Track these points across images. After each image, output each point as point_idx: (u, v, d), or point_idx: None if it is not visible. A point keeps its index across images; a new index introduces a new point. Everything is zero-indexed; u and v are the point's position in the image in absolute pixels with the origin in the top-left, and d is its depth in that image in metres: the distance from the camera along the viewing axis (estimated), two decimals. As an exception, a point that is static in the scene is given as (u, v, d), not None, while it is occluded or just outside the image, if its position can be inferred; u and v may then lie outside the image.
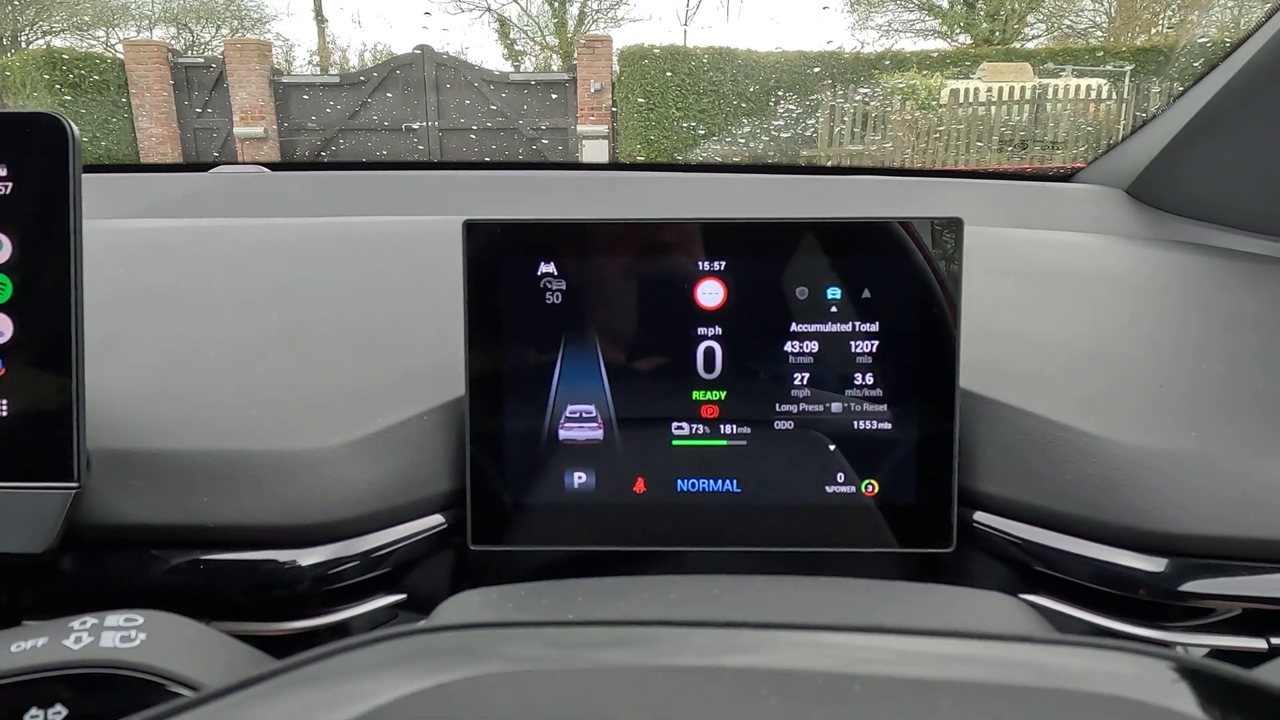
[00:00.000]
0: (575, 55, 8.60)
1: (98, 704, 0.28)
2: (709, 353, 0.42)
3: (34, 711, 0.27)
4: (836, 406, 0.42)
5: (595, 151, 8.13)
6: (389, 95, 8.27)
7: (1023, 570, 0.42)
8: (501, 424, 0.43)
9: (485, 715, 0.19)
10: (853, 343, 0.42)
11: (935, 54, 8.93)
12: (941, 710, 0.19)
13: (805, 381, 0.42)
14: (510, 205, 0.82)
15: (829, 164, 6.83)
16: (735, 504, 0.42)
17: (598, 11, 11.81)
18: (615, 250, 0.42)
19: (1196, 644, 0.39)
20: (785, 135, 8.13)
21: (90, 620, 0.30)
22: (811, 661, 0.21)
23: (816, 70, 8.31)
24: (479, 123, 8.30)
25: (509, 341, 0.42)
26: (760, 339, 0.42)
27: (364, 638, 0.22)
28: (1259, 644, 0.39)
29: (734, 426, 0.42)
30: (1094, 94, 7.63)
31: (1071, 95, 7.63)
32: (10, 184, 0.37)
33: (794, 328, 0.42)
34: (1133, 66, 7.85)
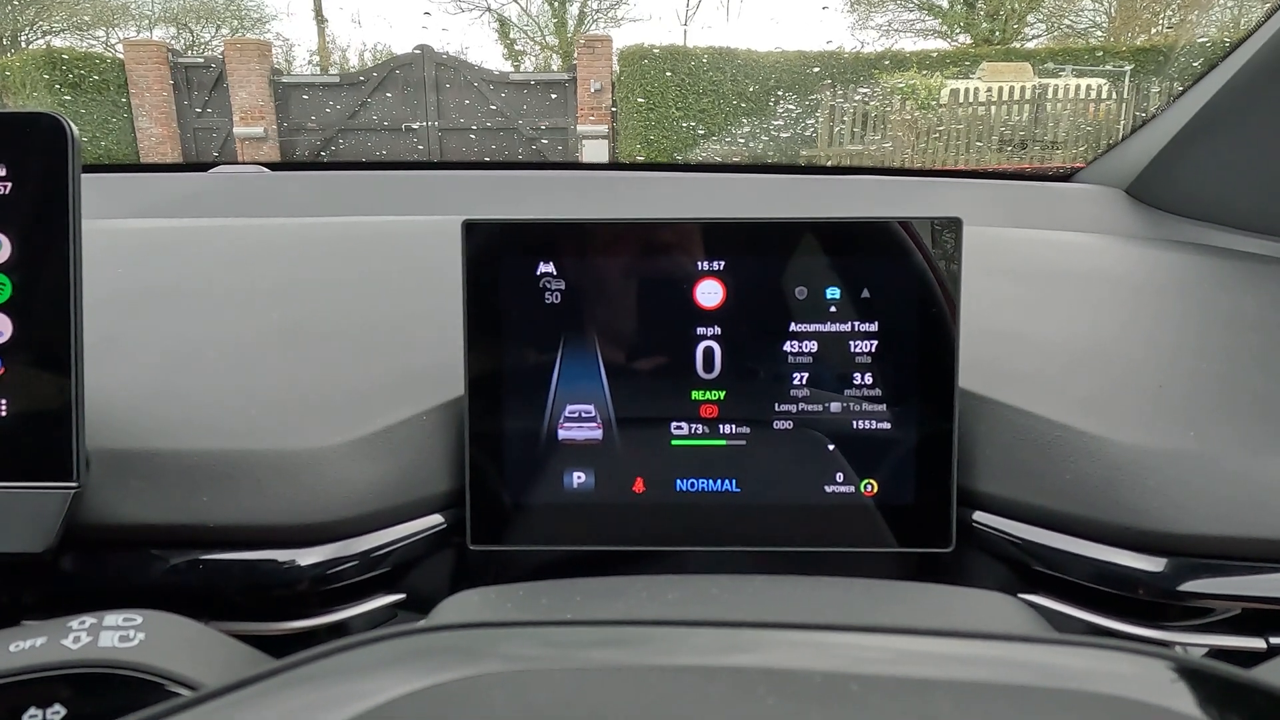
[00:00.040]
0: (575, 55, 8.60)
1: (96, 704, 0.28)
2: (708, 352, 0.42)
3: (32, 711, 0.27)
4: (836, 406, 0.42)
5: (595, 151, 8.13)
6: (389, 95, 8.27)
7: (1022, 570, 0.42)
8: (501, 424, 0.43)
9: (483, 715, 0.19)
10: (852, 342, 0.42)
11: (935, 54, 8.93)
12: (940, 710, 0.19)
13: (804, 381, 0.42)
14: (510, 205, 0.82)
15: (829, 164, 6.84)
16: (734, 504, 0.42)
17: (598, 11, 11.82)
18: (614, 250, 0.42)
19: (1195, 644, 0.39)
20: (785, 135, 8.13)
21: (89, 620, 0.30)
22: (810, 661, 0.21)
23: (816, 70, 8.31)
24: (479, 123, 8.30)
25: (508, 341, 0.42)
26: (759, 339, 0.42)
27: (361, 637, 0.22)
28: (1258, 644, 0.39)
29: (733, 426, 0.42)
30: (1094, 94, 7.63)
31: (1071, 95, 7.63)
32: (10, 184, 0.37)
33: (793, 327, 0.42)
34: (1132, 66, 7.85)
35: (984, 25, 10.86)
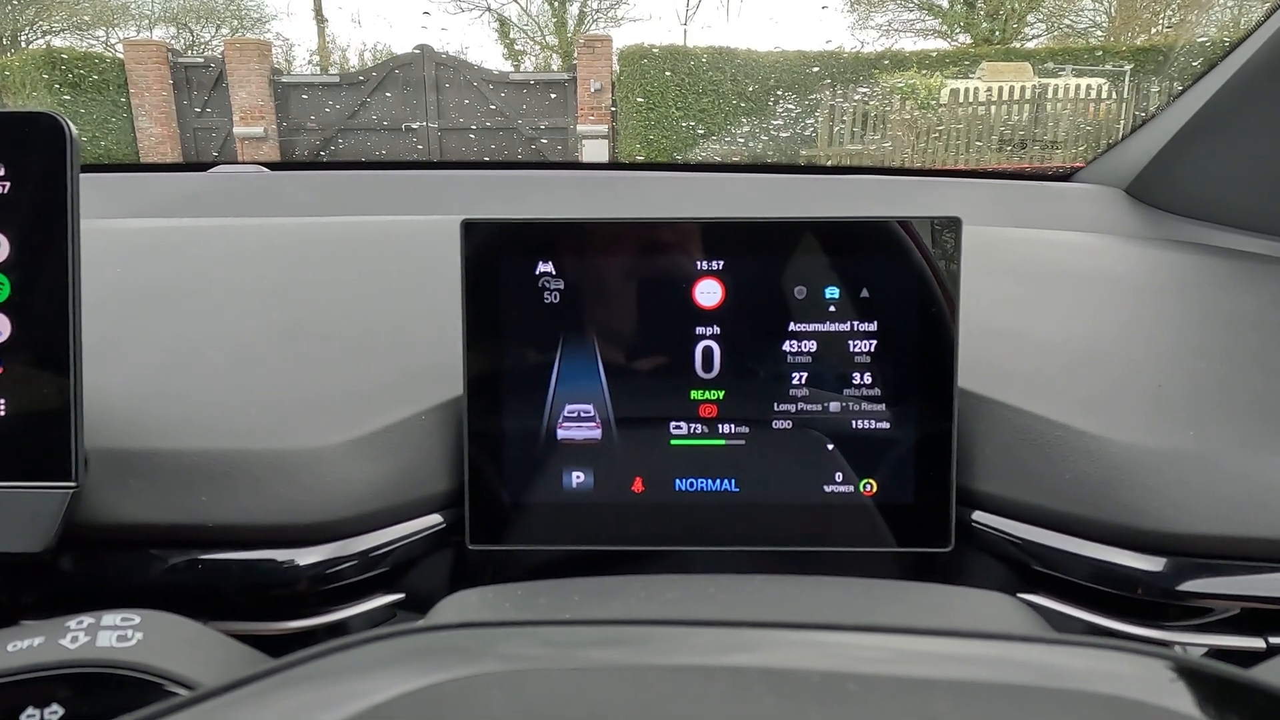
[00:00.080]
0: (575, 55, 8.60)
1: (94, 703, 0.28)
2: (707, 352, 0.42)
3: (30, 711, 0.27)
4: (835, 406, 0.42)
5: (595, 151, 8.13)
6: (388, 95, 8.27)
7: (1021, 570, 0.42)
8: (500, 423, 0.43)
9: (481, 715, 0.19)
10: (851, 342, 0.42)
11: (935, 53, 8.92)
12: (939, 710, 0.19)
13: (803, 381, 0.42)
14: (510, 205, 0.82)
15: (828, 163, 6.84)
16: (733, 503, 0.42)
17: (597, 11, 11.82)
18: (613, 250, 0.42)
19: (1195, 643, 0.39)
20: (784, 135, 8.13)
21: (87, 620, 0.30)
22: (808, 661, 0.21)
23: (816, 70, 8.31)
24: (478, 122, 8.29)
25: (507, 341, 0.42)
26: (758, 338, 0.42)
27: (359, 637, 0.22)
28: (1257, 643, 0.39)
29: (732, 426, 0.42)
30: (1093, 93, 7.63)
31: (1071, 95, 7.63)
32: (8, 183, 0.37)
33: (792, 327, 0.42)
34: (1132, 66, 7.85)
35: (984, 25, 10.87)
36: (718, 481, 0.42)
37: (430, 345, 0.48)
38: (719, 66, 8.35)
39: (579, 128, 8.16)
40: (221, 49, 8.82)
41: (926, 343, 0.42)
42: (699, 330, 0.42)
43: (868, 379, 0.42)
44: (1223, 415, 0.43)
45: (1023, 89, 7.60)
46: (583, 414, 0.43)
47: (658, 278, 0.42)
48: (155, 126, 8.34)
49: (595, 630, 0.23)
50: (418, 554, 0.43)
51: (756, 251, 0.42)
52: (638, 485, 0.43)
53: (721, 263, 0.42)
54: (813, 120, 8.02)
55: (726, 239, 0.42)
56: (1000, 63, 8.29)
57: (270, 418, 0.43)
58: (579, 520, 0.43)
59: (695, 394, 0.42)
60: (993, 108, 7.57)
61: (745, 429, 0.42)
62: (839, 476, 0.42)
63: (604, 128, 8.17)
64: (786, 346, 0.42)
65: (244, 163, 0.93)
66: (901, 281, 0.42)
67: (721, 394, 0.42)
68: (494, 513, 0.43)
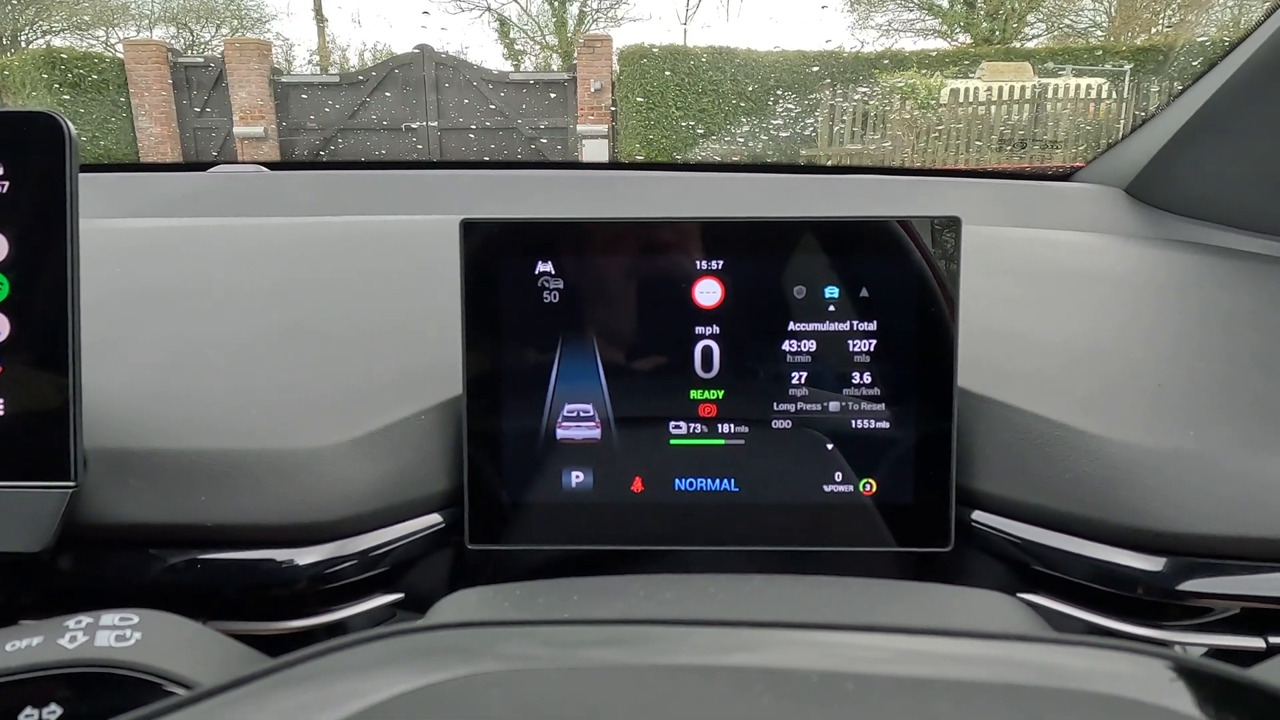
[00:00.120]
0: (575, 55, 8.60)
1: (93, 703, 0.28)
2: (706, 352, 0.42)
3: (29, 711, 0.27)
4: (834, 405, 0.42)
5: (595, 151, 8.13)
6: (388, 95, 8.27)
7: (1021, 569, 0.42)
8: (499, 423, 0.43)
9: (480, 714, 0.19)
10: (851, 342, 0.42)
11: (935, 53, 8.92)
12: (938, 709, 0.19)
13: (803, 380, 0.42)
14: (509, 204, 0.82)
15: (828, 163, 6.84)
16: (733, 503, 0.42)
17: (597, 11, 11.82)
18: (613, 249, 0.42)
19: (1195, 643, 0.39)
20: (784, 134, 8.13)
21: (85, 619, 0.30)
22: (807, 660, 0.21)
23: (816, 69, 8.31)
24: (478, 122, 8.29)
25: (506, 341, 0.42)
26: (758, 338, 0.42)
27: (357, 636, 0.22)
28: (1257, 643, 0.38)
29: (732, 426, 0.42)
30: (1093, 93, 7.63)
31: (1071, 94, 7.63)
32: (7, 183, 0.37)
33: (792, 327, 0.42)
34: (1132, 66, 7.85)
35: (984, 25, 10.87)
36: (717, 481, 0.42)
37: (430, 345, 0.48)
38: (719, 66, 8.35)
39: (579, 127, 8.16)
40: (221, 49, 8.82)
41: (926, 342, 0.42)
42: (698, 330, 0.42)
43: (867, 379, 0.42)
44: (1223, 415, 0.43)
45: (1023, 89, 7.61)
46: (582, 414, 0.43)
47: (657, 277, 0.42)
48: (155, 126, 8.34)
49: (594, 630, 0.23)
50: (417, 554, 0.43)
51: (756, 251, 0.42)
52: (637, 485, 0.43)
53: (721, 262, 0.42)
54: (813, 120, 8.03)
55: (726, 239, 0.42)
56: (1000, 63, 8.29)
57: (270, 417, 0.43)
58: (578, 520, 0.43)
59: (695, 394, 0.42)
60: (993, 107, 7.58)
61: (745, 429, 0.42)
62: (838, 476, 0.42)
63: (604, 127, 8.17)
64: (786, 346, 0.42)
65: (244, 163, 0.93)
66: (901, 281, 0.42)
67: (721, 394, 0.42)
68: (493, 512, 0.43)
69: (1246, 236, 0.69)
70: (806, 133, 8.05)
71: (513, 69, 10.27)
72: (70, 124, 0.37)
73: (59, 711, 0.27)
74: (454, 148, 8.31)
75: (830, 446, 0.42)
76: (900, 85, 7.94)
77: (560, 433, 0.43)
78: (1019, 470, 0.42)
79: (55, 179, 0.37)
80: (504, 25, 11.70)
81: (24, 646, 0.29)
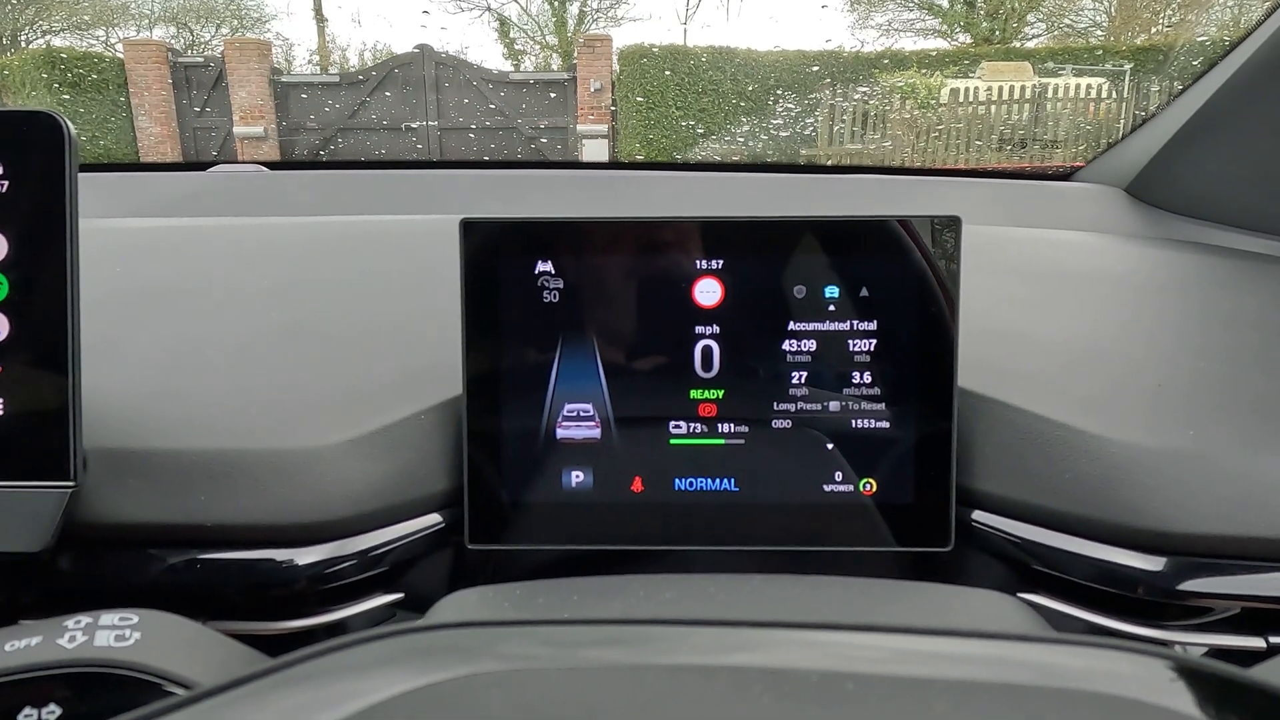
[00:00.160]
0: (575, 54, 8.60)
1: (92, 703, 0.28)
2: (706, 351, 0.42)
3: (28, 711, 0.27)
4: (834, 405, 0.42)
5: (595, 151, 8.13)
6: (388, 94, 8.27)
7: (1021, 569, 0.42)
8: (499, 423, 0.43)
9: (479, 714, 0.19)
10: (851, 341, 0.42)
11: (935, 53, 8.92)
12: (938, 709, 0.19)
13: (803, 380, 0.42)
14: (509, 204, 0.82)
15: (828, 163, 6.83)
16: (733, 503, 0.42)
17: (597, 11, 11.82)
18: (613, 249, 0.42)
19: (1195, 643, 0.39)
20: (784, 134, 8.12)
21: (85, 619, 0.30)
22: (807, 660, 0.21)
23: (816, 69, 8.31)
24: (478, 122, 8.29)
25: (506, 340, 0.42)
26: (758, 338, 0.42)
27: (357, 636, 0.22)
28: (1257, 643, 0.38)
29: (732, 425, 0.42)
30: (1093, 93, 7.63)
31: (1071, 94, 7.63)
32: (7, 183, 0.37)
33: (792, 326, 0.42)
34: (1132, 65, 7.85)
35: (984, 24, 10.87)
36: (717, 481, 0.42)
37: (430, 345, 0.48)
38: (719, 66, 8.35)
39: (579, 127, 8.16)
40: (221, 49, 8.82)
41: (926, 342, 0.42)
42: (698, 329, 0.42)
43: (867, 378, 0.42)
44: (1223, 415, 0.43)
45: (1023, 88, 7.60)
46: (582, 413, 0.43)
47: (657, 277, 0.42)
48: (155, 126, 8.34)
49: (594, 630, 0.23)
50: (417, 553, 0.43)
51: (756, 251, 0.42)
52: (637, 485, 0.43)
53: (721, 262, 0.42)
54: (813, 120, 8.02)
55: (726, 238, 0.42)
56: (1000, 62, 8.28)
57: (270, 417, 0.43)
58: (578, 520, 0.43)
59: (695, 393, 0.42)
60: (993, 107, 7.57)
61: (745, 428, 0.42)
62: (839, 476, 0.42)
63: (604, 127, 8.17)
64: (786, 346, 0.42)
65: (244, 162, 0.93)
66: (901, 281, 0.41)
67: (721, 393, 0.42)
68: (493, 512, 0.43)
69: (1246, 236, 0.69)
70: (806, 132, 8.05)
71: (513, 69, 10.27)
72: (70, 124, 0.37)
73: (58, 712, 0.27)
74: (454, 148, 8.31)
75: (830, 446, 0.42)
76: (900, 85, 7.94)
77: (560, 432, 0.43)
78: (1019, 470, 0.42)
79: (55, 179, 0.37)
80: (504, 25, 11.70)
81: (23, 646, 0.28)
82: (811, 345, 0.42)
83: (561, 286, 0.42)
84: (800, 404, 0.42)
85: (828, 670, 0.20)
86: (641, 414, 0.43)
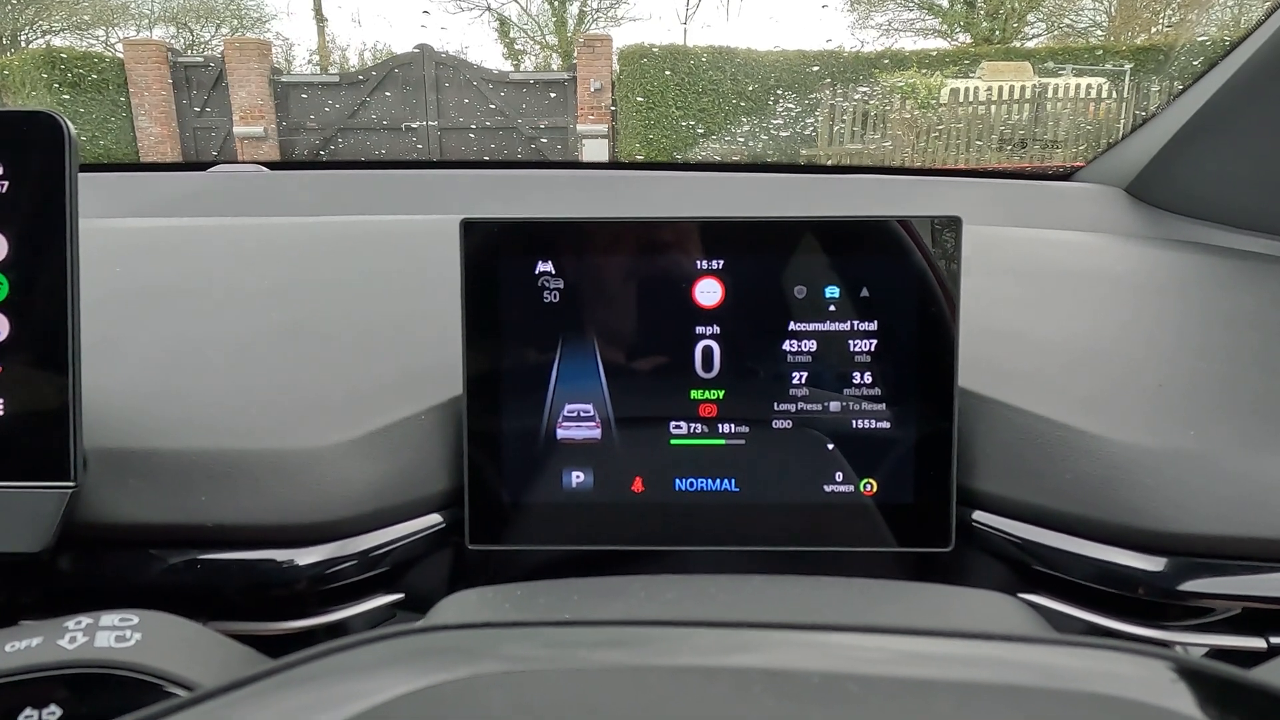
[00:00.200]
0: (575, 54, 8.60)
1: (92, 704, 0.28)
2: (707, 352, 0.42)
3: (28, 712, 0.27)
4: (835, 405, 0.42)
5: (595, 151, 8.13)
6: (388, 94, 8.27)
7: (1021, 569, 0.42)
8: (499, 423, 0.43)
9: (480, 715, 0.19)
10: (851, 342, 0.42)
11: (935, 53, 8.92)
12: (939, 710, 0.19)
13: (804, 380, 0.42)
14: (509, 204, 0.82)
15: (828, 163, 6.83)
16: (733, 503, 0.42)
17: (597, 11, 11.81)
18: (613, 249, 0.42)
19: (1195, 643, 0.39)
20: (784, 134, 8.12)
21: (85, 620, 0.30)
22: (808, 661, 0.21)
23: (816, 69, 8.31)
24: (478, 122, 8.29)
25: (507, 341, 0.42)
26: (758, 338, 0.42)
27: (358, 637, 0.22)
28: (1258, 643, 0.38)
29: (732, 426, 0.42)
30: (1094, 93, 7.63)
31: (1071, 94, 7.62)
32: (7, 183, 0.37)
33: (792, 326, 0.42)
34: (1132, 65, 7.85)
35: (984, 24, 10.87)
36: (718, 481, 0.42)
37: (430, 345, 0.48)
38: (719, 66, 8.35)
39: (579, 127, 8.16)
40: (221, 48, 8.82)
41: (927, 342, 0.42)
42: (699, 330, 0.42)
43: (868, 378, 0.42)
44: (1223, 415, 0.43)
45: (1023, 88, 7.60)
46: (582, 414, 0.43)
47: (657, 277, 0.42)
48: (155, 126, 8.33)
49: (595, 631, 0.23)
50: (417, 554, 0.43)
51: (756, 251, 0.42)
52: (637, 485, 0.43)
53: (721, 262, 0.42)
54: (813, 120, 8.02)
55: (726, 238, 0.42)
56: (1000, 62, 8.28)
57: (270, 418, 0.43)
58: (579, 520, 0.43)
59: (695, 393, 0.42)
60: (993, 107, 7.57)
61: (745, 428, 0.42)
62: (839, 476, 0.42)
63: (604, 127, 8.17)
64: (786, 346, 0.42)
65: (244, 162, 0.93)
66: (901, 281, 0.41)
67: (721, 393, 0.42)
68: (494, 512, 0.43)
69: (1246, 236, 0.69)
70: (806, 132, 8.04)
71: (513, 69, 10.27)
72: (70, 124, 0.37)
73: (58, 712, 0.27)
74: (454, 147, 8.31)
75: (831, 446, 0.42)
76: (900, 85, 7.94)
77: (560, 433, 0.43)
78: (1019, 470, 0.42)
79: (55, 179, 0.37)
80: (504, 25, 11.70)
81: (23, 647, 0.28)
82: (812, 345, 0.42)
83: (562, 287, 0.42)
84: (801, 404, 0.42)
85: (829, 671, 0.20)
86: (642, 414, 0.43)
